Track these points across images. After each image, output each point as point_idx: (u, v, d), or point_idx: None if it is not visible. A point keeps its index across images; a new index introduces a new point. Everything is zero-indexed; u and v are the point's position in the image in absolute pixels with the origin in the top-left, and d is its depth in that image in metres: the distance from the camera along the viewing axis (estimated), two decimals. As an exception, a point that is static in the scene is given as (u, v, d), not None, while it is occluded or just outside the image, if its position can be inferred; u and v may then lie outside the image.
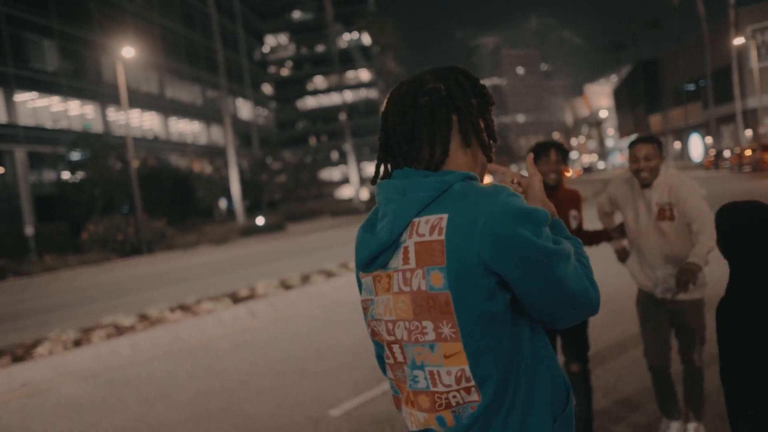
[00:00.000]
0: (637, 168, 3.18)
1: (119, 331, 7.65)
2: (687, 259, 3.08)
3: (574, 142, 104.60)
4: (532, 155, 1.58)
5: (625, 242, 3.65)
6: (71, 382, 6.30)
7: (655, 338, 3.33)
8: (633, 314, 5.60)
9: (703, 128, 49.61)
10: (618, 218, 3.76)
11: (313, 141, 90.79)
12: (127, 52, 25.51)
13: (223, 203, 45.85)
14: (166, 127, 45.47)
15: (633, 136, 69.78)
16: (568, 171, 3.46)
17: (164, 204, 34.29)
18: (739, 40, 38.60)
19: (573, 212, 3.43)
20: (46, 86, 33.59)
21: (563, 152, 3.40)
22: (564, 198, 3.40)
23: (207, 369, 6.21)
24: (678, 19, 52.66)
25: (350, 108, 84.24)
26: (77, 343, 7.13)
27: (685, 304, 3.23)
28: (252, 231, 30.35)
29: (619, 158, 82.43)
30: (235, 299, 9.26)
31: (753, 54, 40.43)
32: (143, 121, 42.53)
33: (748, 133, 40.16)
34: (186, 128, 48.81)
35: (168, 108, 45.58)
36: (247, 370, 5.98)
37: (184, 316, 8.34)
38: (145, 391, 5.69)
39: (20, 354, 6.89)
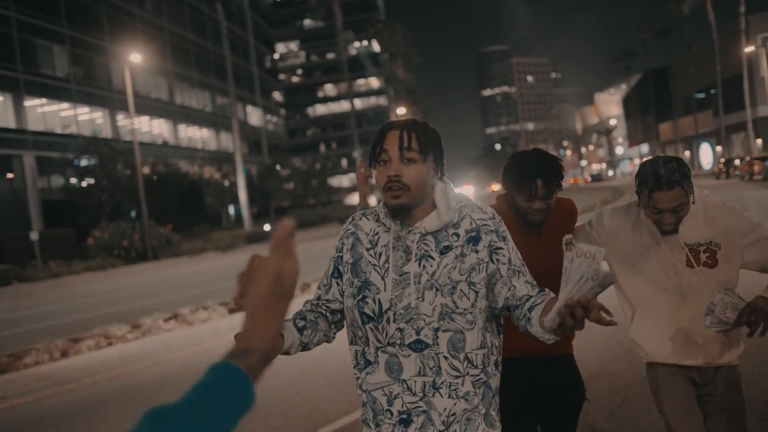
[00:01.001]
0: (662, 223, 2.24)
1: (109, 340, 7.54)
2: (761, 292, 2.17)
3: (583, 150, 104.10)
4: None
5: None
6: (55, 393, 6.19)
7: (693, 428, 2.33)
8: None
9: (713, 137, 49.13)
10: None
11: (322, 148, 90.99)
12: (135, 58, 25.60)
13: (231, 210, 45.95)
14: (175, 134, 45.66)
15: (644, 147, 69.14)
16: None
17: (172, 210, 34.35)
18: (749, 49, 38.22)
19: (567, 238, 2.84)
20: (55, 92, 33.81)
21: (556, 177, 2.41)
22: (553, 221, 2.59)
23: (195, 381, 6.06)
24: (688, 28, 52.29)
25: (360, 115, 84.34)
26: (64, 354, 7.03)
27: (718, 373, 2.31)
28: (259, 238, 30.31)
29: (629, 166, 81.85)
30: (232, 308, 9.14)
31: (763, 62, 40.03)
32: (152, 127, 42.72)
33: (759, 141, 39.68)
34: (195, 134, 48.99)
35: (177, 114, 45.77)
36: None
37: (179, 326, 8.23)
38: (129, 403, 5.56)
39: (5, 364, 6.79)
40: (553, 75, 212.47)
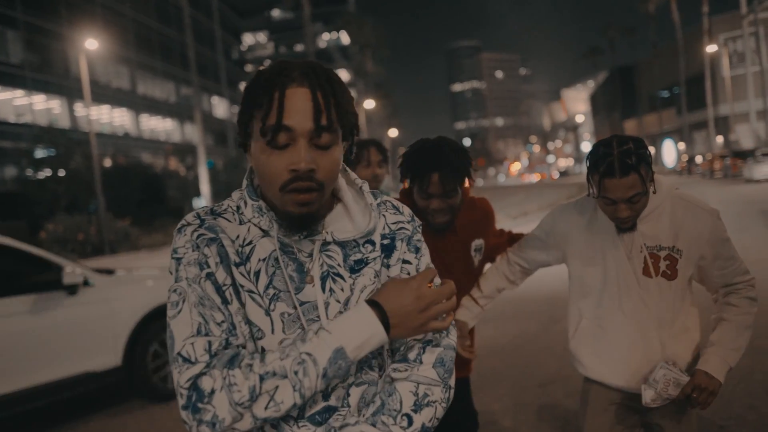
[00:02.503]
0: (615, 217, 1.88)
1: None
2: (701, 364, 1.89)
3: (551, 146, 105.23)
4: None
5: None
6: None
7: None
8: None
9: (677, 134, 50.06)
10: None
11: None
12: (91, 44, 24.66)
13: (198, 203, 45.00)
14: (137, 124, 44.47)
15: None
16: (472, 182, 2.19)
17: (133, 203, 33.41)
18: (711, 49, 38.90)
19: (476, 243, 2.28)
20: (9, 79, 32.50)
21: (457, 172, 2.03)
22: (464, 224, 2.22)
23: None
24: (654, 27, 53.08)
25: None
26: None
27: (668, 408, 1.99)
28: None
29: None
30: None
31: (725, 62, 40.83)
32: (113, 118, 41.50)
33: (720, 139, 40.50)
34: (159, 125, 47.83)
35: (140, 104, 44.57)
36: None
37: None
38: (55, 408, 5.15)
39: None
40: (523, 71, 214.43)
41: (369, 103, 47.08)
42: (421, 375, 1.10)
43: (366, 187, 1.20)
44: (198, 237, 1.07)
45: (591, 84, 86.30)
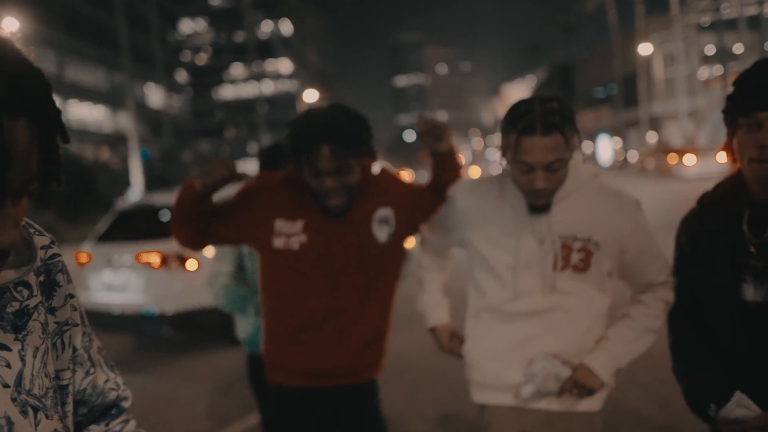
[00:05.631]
0: (531, 188, 1.62)
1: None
2: (588, 359, 1.71)
3: (491, 140, 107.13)
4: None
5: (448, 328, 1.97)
6: None
7: None
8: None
9: (613, 131, 51.65)
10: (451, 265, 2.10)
11: (231, 132, 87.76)
12: (11, 24, 23.01)
13: (133, 196, 43.19)
14: (64, 112, 41.99)
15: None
16: (373, 159, 1.87)
17: (59, 196, 31.66)
18: (645, 49, 40.09)
19: (380, 213, 1.89)
20: None
21: (353, 143, 1.74)
22: (362, 201, 1.89)
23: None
24: (593, 26, 54.57)
25: (270, 100, 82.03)
26: None
27: (571, 420, 1.75)
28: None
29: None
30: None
31: (658, 63, 42.28)
32: (38, 104, 39.19)
33: (654, 137, 41.92)
34: (89, 114, 45.56)
35: (67, 90, 42.28)
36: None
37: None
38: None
39: None
40: (466, 66, 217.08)
41: (312, 95, 46.30)
42: None
43: None
44: None
45: (530, 79, 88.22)
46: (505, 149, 1.64)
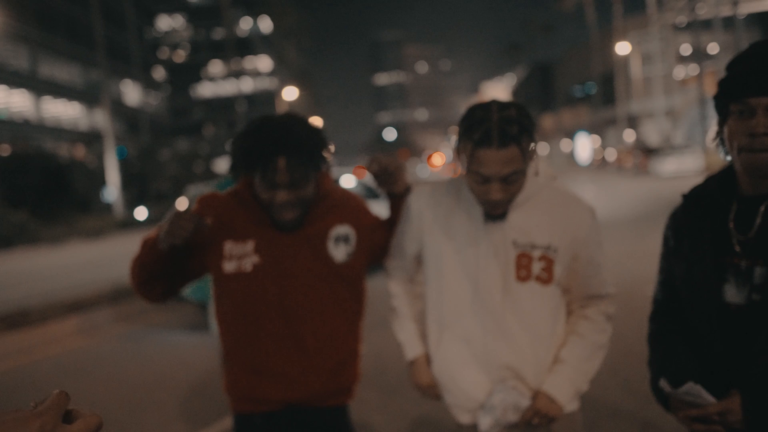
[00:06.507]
0: (486, 199, 1.58)
1: None
2: (546, 385, 1.66)
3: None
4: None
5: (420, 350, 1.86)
6: None
7: None
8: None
9: (592, 129, 52.17)
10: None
11: (210, 130, 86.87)
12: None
13: (112, 195, 42.50)
14: (38, 109, 41.34)
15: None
16: (328, 171, 1.82)
17: (33, 194, 31.05)
18: (623, 49, 40.48)
19: (337, 231, 1.80)
20: None
21: (310, 155, 1.67)
22: (317, 215, 1.79)
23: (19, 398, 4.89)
24: (571, 25, 55.02)
25: (249, 98, 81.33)
26: None
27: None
28: (132, 224, 28.13)
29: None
30: (74, 307, 7.87)
31: (635, 62, 42.73)
32: (11, 101, 38.35)
33: (632, 135, 42.33)
34: (63, 111, 44.72)
35: (41, 87, 41.45)
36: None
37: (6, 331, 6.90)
38: None
39: None
40: (446, 64, 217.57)
41: (291, 92, 45.99)
42: None
43: None
44: None
45: (510, 77, 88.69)
46: (460, 156, 1.59)
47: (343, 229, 1.81)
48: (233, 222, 1.75)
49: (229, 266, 1.76)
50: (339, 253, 1.79)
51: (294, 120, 1.67)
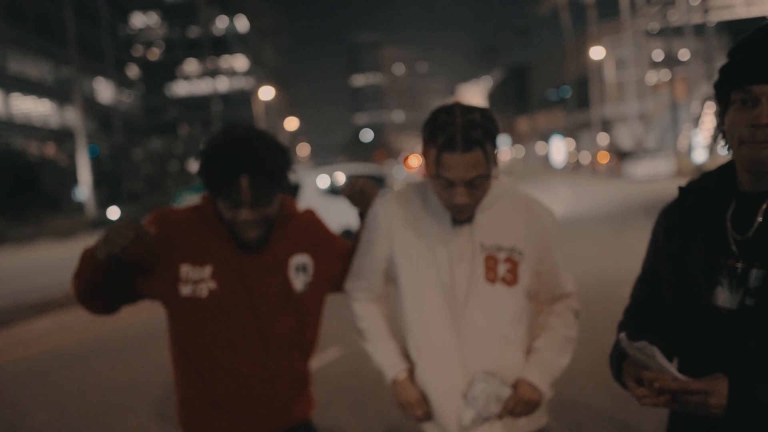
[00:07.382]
0: (451, 203, 1.59)
1: None
2: (525, 373, 1.67)
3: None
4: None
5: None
6: None
7: None
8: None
9: (566, 133, 52.83)
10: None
11: (184, 129, 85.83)
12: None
13: (84, 194, 41.76)
14: (7, 106, 40.41)
15: (504, 137, 74.02)
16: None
17: (1, 193, 30.38)
18: (597, 53, 41.08)
19: (297, 260, 1.76)
20: None
21: (274, 174, 1.62)
22: (279, 237, 1.74)
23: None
24: (547, 29, 55.64)
25: (225, 97, 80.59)
26: None
27: None
28: (104, 224, 27.61)
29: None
30: (42, 308, 7.68)
31: (609, 67, 43.39)
32: (-22, 97, 37.44)
33: (605, 138, 42.98)
34: (33, 108, 43.77)
35: (10, 83, 40.52)
36: (31, 404, 4.63)
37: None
38: None
39: None
40: (423, 66, 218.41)
41: (267, 92, 45.68)
42: None
43: None
44: None
45: (486, 79, 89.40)
46: (425, 160, 1.59)
47: (302, 258, 1.76)
48: (192, 243, 1.68)
49: (185, 290, 1.67)
50: (299, 282, 1.75)
51: (258, 138, 1.61)
